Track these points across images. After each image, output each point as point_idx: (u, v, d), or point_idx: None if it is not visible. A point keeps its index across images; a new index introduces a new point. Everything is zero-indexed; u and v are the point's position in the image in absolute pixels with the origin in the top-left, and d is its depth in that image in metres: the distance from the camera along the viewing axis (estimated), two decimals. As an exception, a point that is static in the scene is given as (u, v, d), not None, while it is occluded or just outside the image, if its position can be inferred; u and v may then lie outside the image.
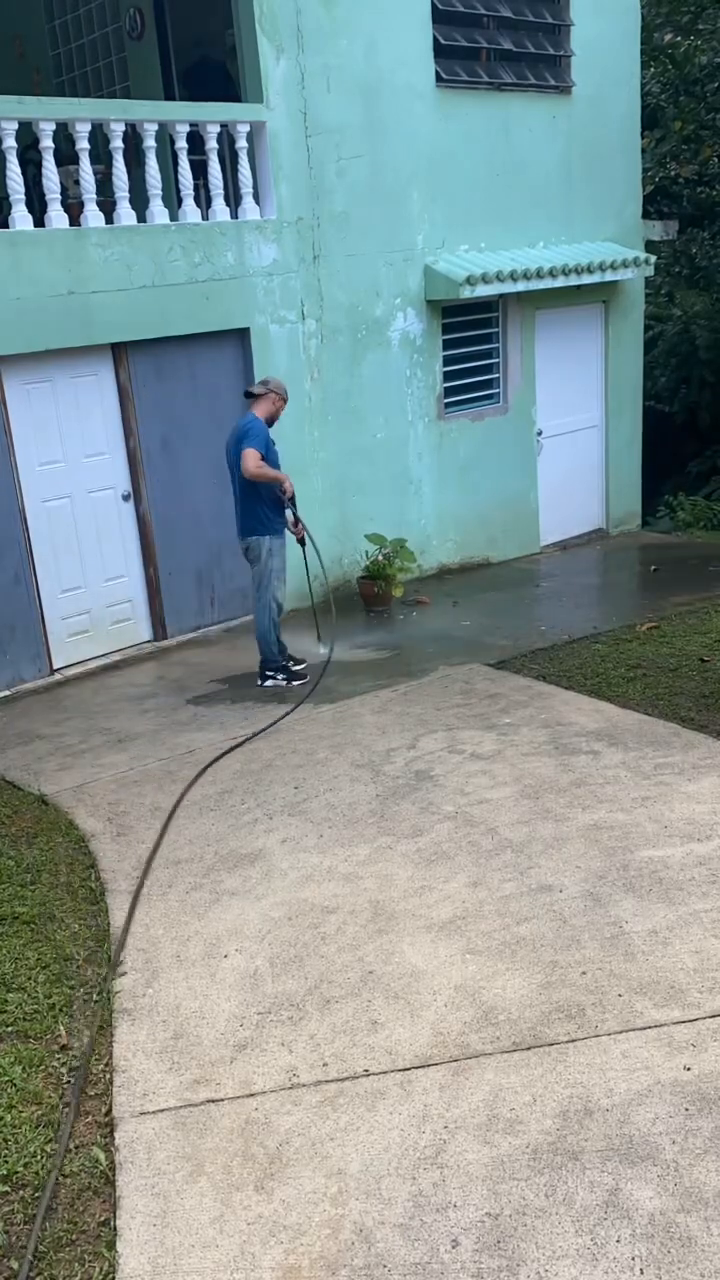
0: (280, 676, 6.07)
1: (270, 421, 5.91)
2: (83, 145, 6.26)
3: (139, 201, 6.57)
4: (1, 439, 6.12)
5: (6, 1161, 2.66)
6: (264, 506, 5.83)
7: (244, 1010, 3.19)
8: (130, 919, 3.75)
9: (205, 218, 6.90)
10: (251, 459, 5.61)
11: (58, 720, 5.85)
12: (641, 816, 4.08)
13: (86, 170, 6.27)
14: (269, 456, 5.75)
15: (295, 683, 6.03)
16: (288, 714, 5.52)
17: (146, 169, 6.55)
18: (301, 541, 6.21)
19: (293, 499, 5.88)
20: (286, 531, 6.00)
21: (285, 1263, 2.32)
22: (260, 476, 5.67)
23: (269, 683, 6.07)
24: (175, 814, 4.53)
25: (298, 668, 6.20)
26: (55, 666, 6.56)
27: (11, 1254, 2.41)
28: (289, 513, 5.98)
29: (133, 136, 6.55)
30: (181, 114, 6.75)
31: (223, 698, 6.00)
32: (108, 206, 6.47)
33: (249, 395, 5.99)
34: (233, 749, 5.14)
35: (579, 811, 4.18)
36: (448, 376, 8.46)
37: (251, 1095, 2.84)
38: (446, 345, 8.41)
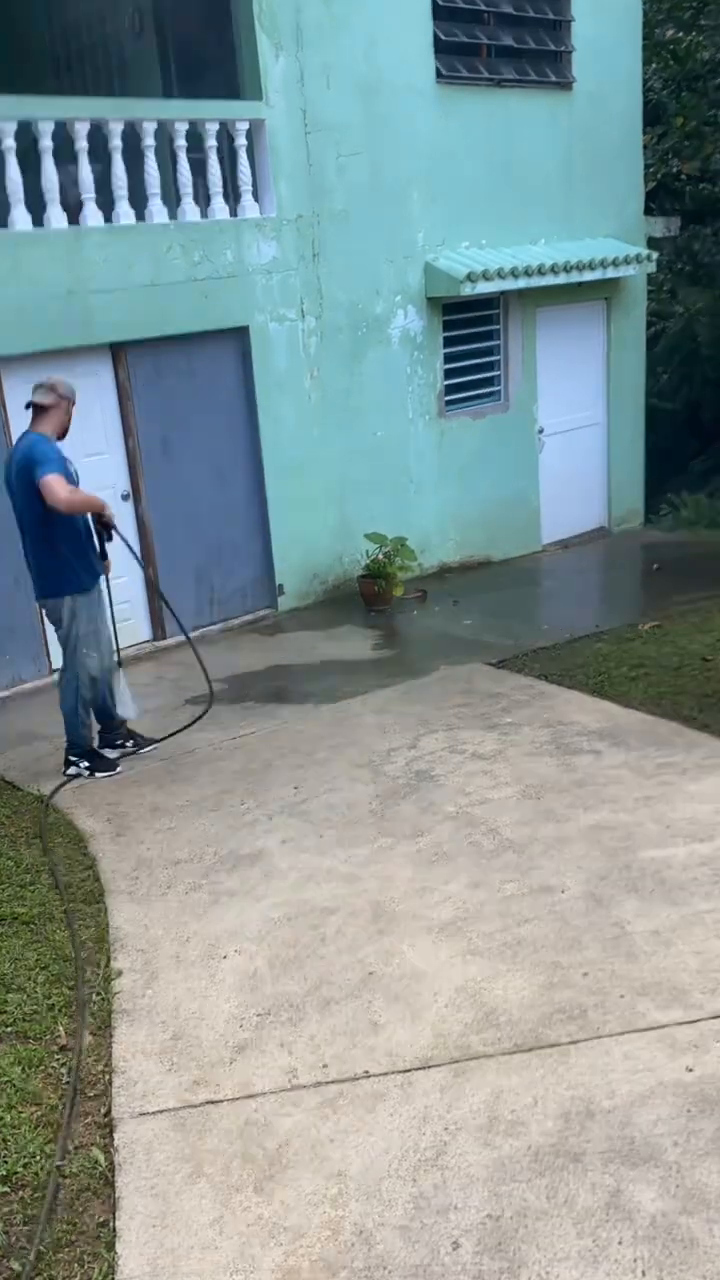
0: (84, 764, 4.90)
1: (61, 435, 4.65)
2: (82, 144, 6.25)
3: (138, 200, 6.56)
4: (1, 439, 6.11)
5: (6, 1162, 2.66)
6: (61, 555, 4.60)
7: (243, 1011, 3.18)
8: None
9: (204, 216, 6.89)
10: (60, 486, 4.36)
11: (58, 720, 5.83)
12: (644, 816, 4.06)
13: (86, 169, 6.26)
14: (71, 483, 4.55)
15: (101, 774, 4.88)
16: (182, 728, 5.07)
17: (145, 168, 6.54)
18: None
19: (111, 527, 4.78)
20: (101, 582, 4.82)
21: (285, 1264, 2.31)
22: (76, 505, 4.51)
23: (70, 769, 4.91)
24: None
25: (148, 748, 5.10)
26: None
27: (12, 1254, 2.40)
28: (103, 547, 4.83)
29: (131, 135, 6.54)
30: (180, 112, 6.73)
31: (222, 697, 5.99)
32: (107, 206, 6.46)
33: (34, 407, 4.62)
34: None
35: (581, 812, 4.16)
36: (448, 374, 8.44)
37: (251, 1096, 2.83)
38: (447, 343, 8.39)
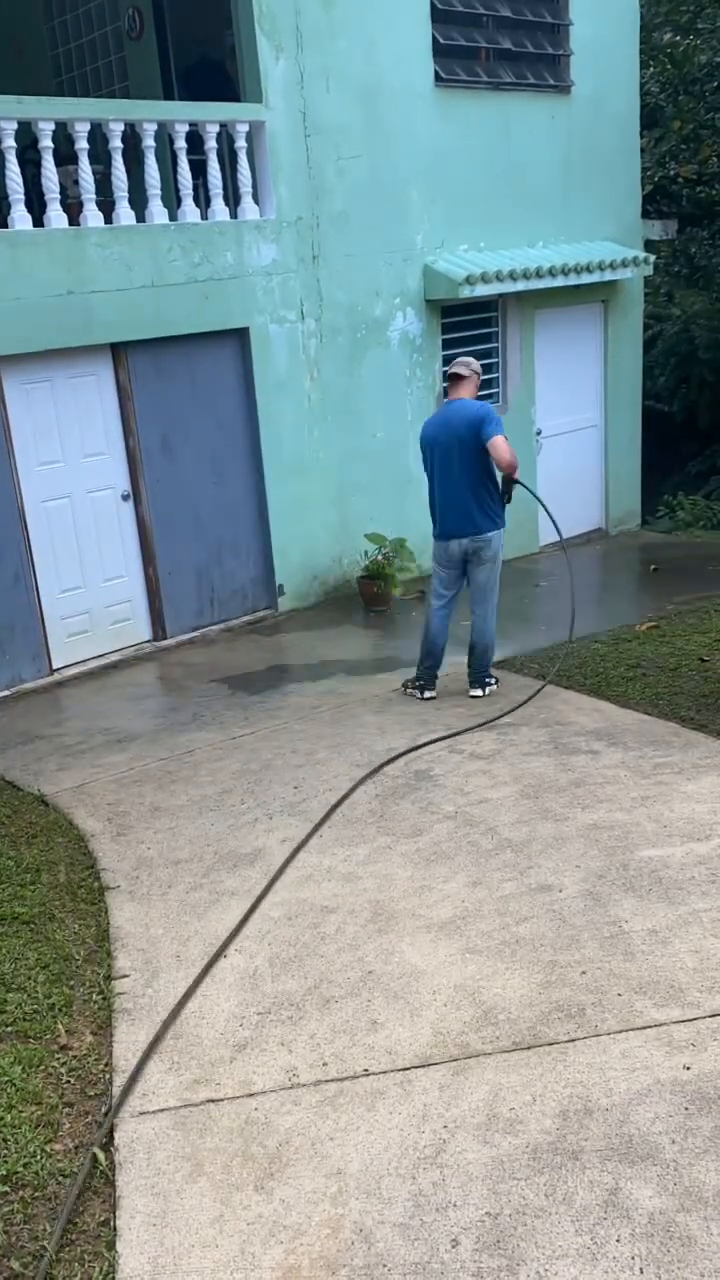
0: (492, 679, 5.71)
1: None
2: (82, 145, 6.26)
3: (138, 201, 6.57)
4: (1, 439, 6.12)
5: (6, 1161, 2.66)
6: (496, 498, 5.44)
7: (244, 1010, 3.19)
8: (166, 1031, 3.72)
9: (204, 218, 6.90)
10: (507, 447, 5.22)
11: (57, 720, 5.85)
12: (641, 816, 4.08)
13: (86, 170, 6.27)
14: None
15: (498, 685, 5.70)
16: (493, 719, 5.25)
17: (146, 169, 6.55)
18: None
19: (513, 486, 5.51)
20: None
21: (285, 1262, 2.32)
22: (514, 464, 5.31)
23: (488, 688, 5.66)
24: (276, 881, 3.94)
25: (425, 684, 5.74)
26: (55, 666, 6.56)
27: (12, 1254, 2.41)
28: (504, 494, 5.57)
29: (132, 136, 6.55)
30: (180, 114, 6.74)
31: (222, 697, 6.00)
32: (107, 206, 6.47)
33: (456, 376, 5.48)
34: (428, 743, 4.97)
35: (578, 811, 4.18)
36: (448, 376, 8.45)
37: (251, 1095, 2.84)
38: (446, 345, 8.41)
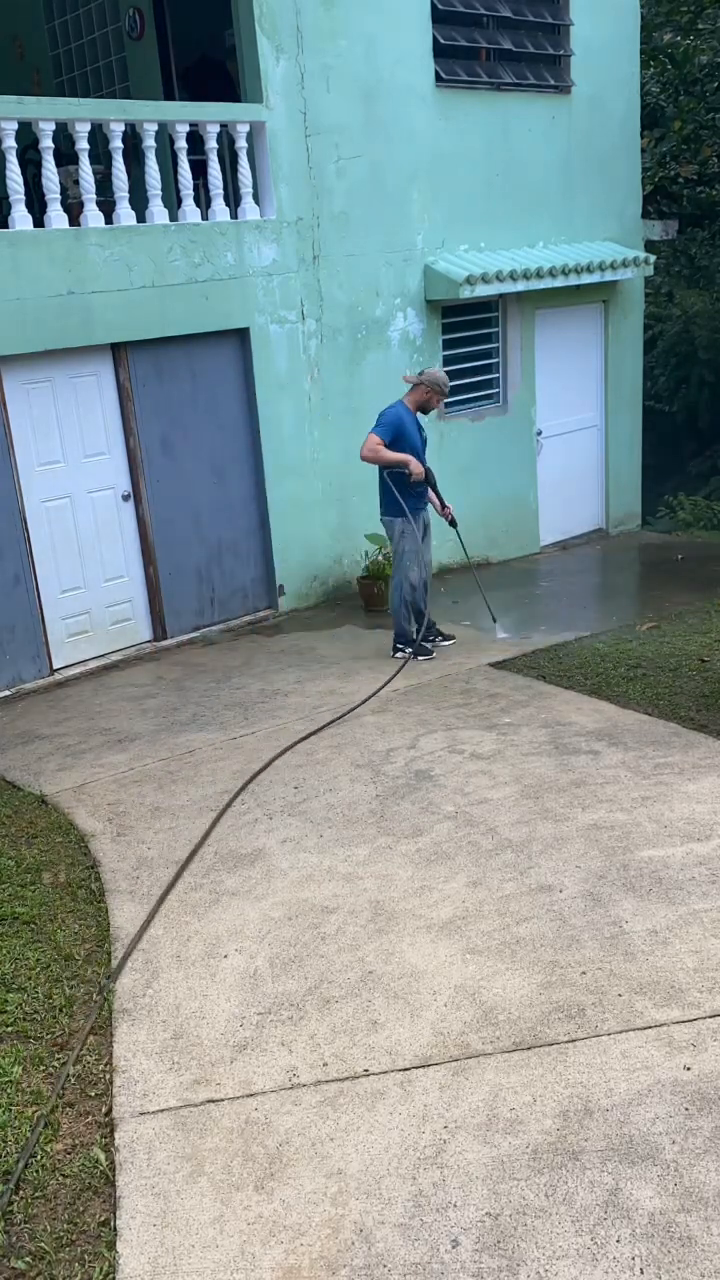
0: (408, 649, 6.34)
1: (423, 410, 6.27)
2: (82, 145, 6.26)
3: (139, 202, 6.58)
4: (1, 439, 6.12)
5: (6, 1161, 2.67)
6: (391, 489, 6.14)
7: (244, 1010, 3.19)
8: (143, 931, 3.75)
9: (205, 218, 6.90)
10: (367, 442, 6.03)
11: (58, 720, 5.85)
12: (641, 816, 4.08)
13: (86, 170, 6.27)
14: (402, 442, 6.06)
15: (420, 657, 6.29)
16: (380, 688, 5.71)
17: (146, 169, 6.56)
18: (452, 524, 6.57)
19: (429, 482, 6.19)
20: (427, 514, 6.33)
21: (285, 1263, 2.32)
22: (371, 459, 6.04)
23: (397, 654, 6.40)
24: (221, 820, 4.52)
25: (446, 642, 6.52)
26: (55, 666, 6.56)
27: (13, 1254, 2.41)
28: (434, 495, 6.37)
29: (132, 137, 6.55)
30: (181, 114, 6.75)
31: (222, 698, 6.00)
32: (107, 207, 6.47)
33: (408, 382, 6.32)
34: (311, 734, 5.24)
35: (579, 811, 4.18)
36: (448, 376, 8.44)
37: (251, 1095, 2.84)
38: (446, 345, 8.41)
